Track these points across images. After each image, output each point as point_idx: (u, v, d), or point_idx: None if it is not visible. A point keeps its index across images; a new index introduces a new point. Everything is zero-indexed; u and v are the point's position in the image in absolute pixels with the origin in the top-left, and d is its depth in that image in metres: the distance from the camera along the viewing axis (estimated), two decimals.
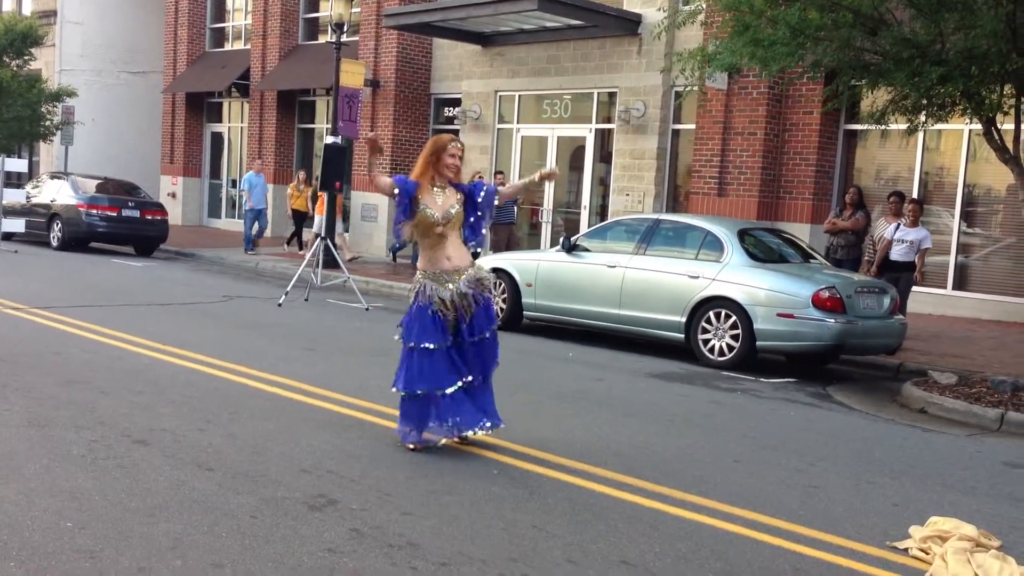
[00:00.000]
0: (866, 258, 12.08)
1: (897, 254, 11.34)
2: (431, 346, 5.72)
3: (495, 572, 4.03)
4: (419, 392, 5.73)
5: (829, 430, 7.51)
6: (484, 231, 6.06)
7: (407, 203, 5.80)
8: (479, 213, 5.94)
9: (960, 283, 14.64)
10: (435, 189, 5.84)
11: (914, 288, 11.60)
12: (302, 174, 20.97)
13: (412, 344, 5.78)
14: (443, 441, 5.92)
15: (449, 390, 5.73)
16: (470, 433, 5.89)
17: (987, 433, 7.85)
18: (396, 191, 5.78)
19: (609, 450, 6.21)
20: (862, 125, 14.50)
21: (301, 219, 21.10)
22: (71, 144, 25.69)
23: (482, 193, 5.94)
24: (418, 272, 5.96)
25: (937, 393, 8.68)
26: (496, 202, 6.00)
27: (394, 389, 5.88)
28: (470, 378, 5.84)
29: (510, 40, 18.91)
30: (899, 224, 11.40)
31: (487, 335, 5.90)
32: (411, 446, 5.82)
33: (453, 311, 5.79)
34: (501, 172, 17.65)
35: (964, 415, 8.21)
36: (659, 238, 11.05)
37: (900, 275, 11.32)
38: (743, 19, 9.33)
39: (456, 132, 20.47)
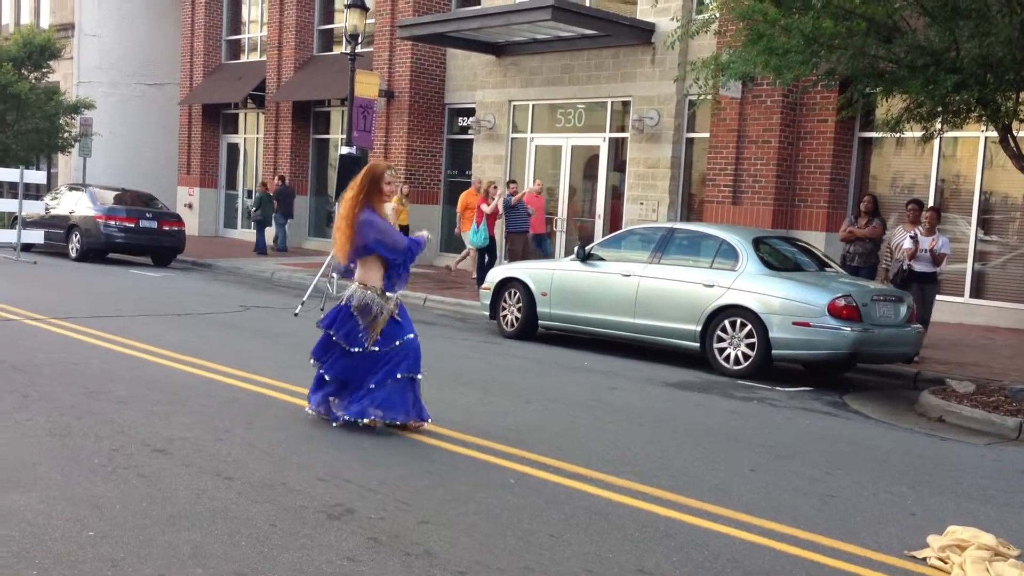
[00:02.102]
0: (882, 266, 12.03)
1: (921, 265, 11.20)
2: (357, 350, 6.39)
3: None
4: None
5: (846, 439, 7.49)
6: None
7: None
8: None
9: (977, 291, 14.57)
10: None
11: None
12: (406, 187, 19.77)
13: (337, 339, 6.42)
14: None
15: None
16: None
17: (1005, 442, 7.81)
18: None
19: (625, 459, 6.22)
20: (877, 133, 14.47)
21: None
22: (89, 156, 25.91)
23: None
24: (366, 286, 6.39)
25: (955, 402, 8.64)
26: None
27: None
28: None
29: (524, 50, 18.98)
30: (916, 233, 11.24)
31: (397, 343, 6.44)
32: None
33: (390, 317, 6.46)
34: (514, 181, 17.68)
35: (982, 424, 8.17)
36: (674, 247, 11.05)
37: (925, 286, 11.22)
38: (757, 28, 9.34)
39: (470, 142, 20.58)
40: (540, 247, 16.82)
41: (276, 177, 24.10)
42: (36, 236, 19.14)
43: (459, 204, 17.86)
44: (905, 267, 11.17)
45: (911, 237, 11.19)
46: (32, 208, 19.56)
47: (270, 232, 23.26)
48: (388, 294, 6.42)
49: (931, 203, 13.93)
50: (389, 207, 6.51)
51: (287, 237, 23.34)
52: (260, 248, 22.64)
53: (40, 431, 5.93)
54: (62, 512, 4.47)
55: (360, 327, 6.36)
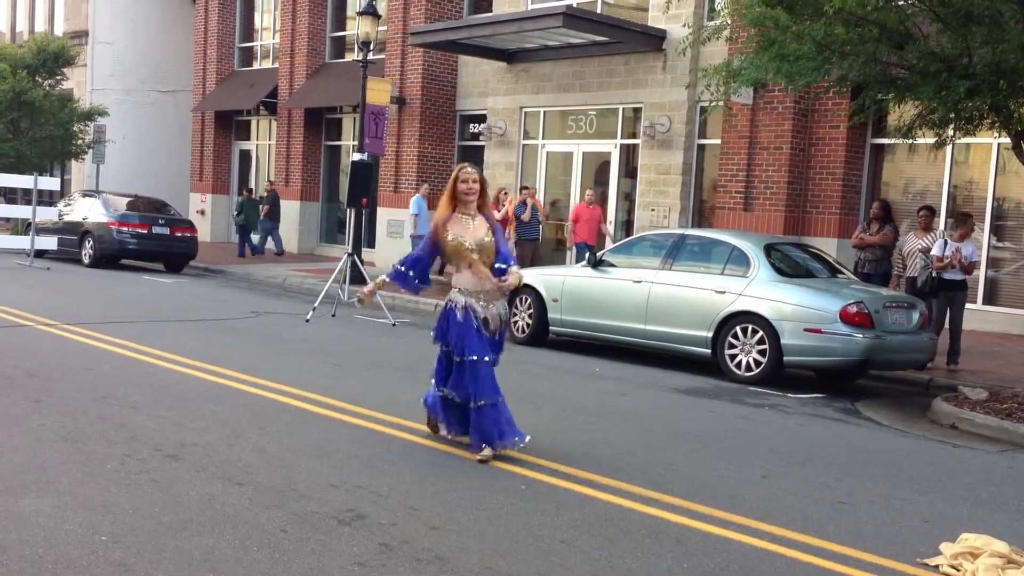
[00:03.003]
0: (895, 272, 11.98)
1: (950, 273, 11.09)
2: (487, 359, 6.05)
3: None
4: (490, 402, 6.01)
5: (858, 446, 7.46)
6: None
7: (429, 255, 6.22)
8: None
9: (990, 297, 14.51)
10: (463, 218, 6.08)
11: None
12: (526, 190, 17.87)
13: (472, 357, 6.02)
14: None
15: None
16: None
17: (1018, 449, 7.76)
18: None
19: (636, 465, 6.21)
20: (889, 139, 14.43)
21: None
22: (102, 162, 26.06)
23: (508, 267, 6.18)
24: (455, 290, 6.15)
25: (968, 408, 8.60)
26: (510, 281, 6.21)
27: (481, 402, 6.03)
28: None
29: (535, 57, 19.00)
30: (946, 241, 11.14)
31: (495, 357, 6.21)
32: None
33: (493, 327, 6.12)
34: (527, 187, 17.68)
35: (995, 431, 8.13)
36: (685, 253, 11.04)
37: (956, 294, 11.15)
38: (768, 34, 9.33)
39: (481, 148, 20.61)
40: None
41: (268, 182, 24.94)
42: (49, 242, 19.26)
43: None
44: (933, 275, 11.09)
45: (944, 243, 11.05)
46: (45, 215, 19.66)
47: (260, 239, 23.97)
48: (479, 295, 6.07)
49: (943, 209, 13.87)
50: (467, 221, 6.07)
51: (266, 240, 24.00)
52: (254, 251, 23.24)
53: (52, 436, 5.96)
54: (74, 517, 4.49)
55: (475, 330, 6.03)
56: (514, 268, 6.17)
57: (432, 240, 6.17)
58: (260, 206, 23.56)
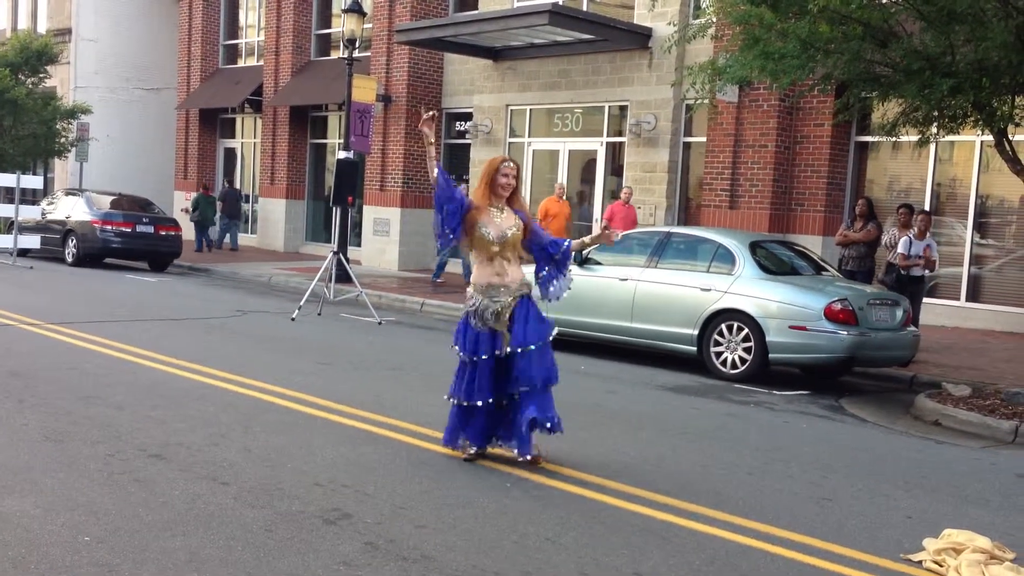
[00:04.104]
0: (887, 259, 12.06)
1: (917, 269, 11.31)
2: (474, 358, 5.90)
3: None
4: (464, 404, 5.93)
5: (842, 442, 7.50)
6: (564, 285, 6.24)
7: (450, 208, 5.89)
8: (557, 269, 6.18)
9: (973, 295, 14.59)
10: (493, 210, 6.00)
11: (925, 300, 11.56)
12: (559, 185, 17.35)
13: (462, 356, 5.99)
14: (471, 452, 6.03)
15: (479, 403, 5.88)
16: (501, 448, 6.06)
17: (1001, 445, 7.81)
18: (436, 184, 5.93)
19: (622, 463, 6.22)
20: (873, 137, 14.50)
21: None
22: (86, 161, 25.91)
23: (560, 251, 6.14)
24: (470, 287, 6.10)
25: (951, 405, 8.65)
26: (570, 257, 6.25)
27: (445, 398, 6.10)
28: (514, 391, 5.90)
29: (521, 54, 19.00)
30: (910, 239, 11.31)
31: (531, 348, 5.90)
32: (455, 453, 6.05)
33: (503, 323, 5.91)
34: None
35: (978, 427, 8.18)
36: (671, 251, 11.06)
37: (918, 288, 11.30)
38: (753, 32, 9.36)
39: (467, 146, 20.58)
40: None
41: (225, 182, 25.68)
42: (32, 241, 19.13)
43: (539, 211, 16.03)
44: (903, 272, 11.21)
45: (909, 241, 11.22)
46: (29, 213, 19.54)
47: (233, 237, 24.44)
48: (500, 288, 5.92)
49: (927, 207, 13.95)
50: (495, 214, 5.96)
51: (235, 236, 24.57)
52: (210, 246, 23.68)
53: (36, 436, 5.93)
54: (58, 517, 4.47)
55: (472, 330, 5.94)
56: (575, 242, 6.28)
57: (467, 208, 5.92)
58: (216, 202, 24.18)
